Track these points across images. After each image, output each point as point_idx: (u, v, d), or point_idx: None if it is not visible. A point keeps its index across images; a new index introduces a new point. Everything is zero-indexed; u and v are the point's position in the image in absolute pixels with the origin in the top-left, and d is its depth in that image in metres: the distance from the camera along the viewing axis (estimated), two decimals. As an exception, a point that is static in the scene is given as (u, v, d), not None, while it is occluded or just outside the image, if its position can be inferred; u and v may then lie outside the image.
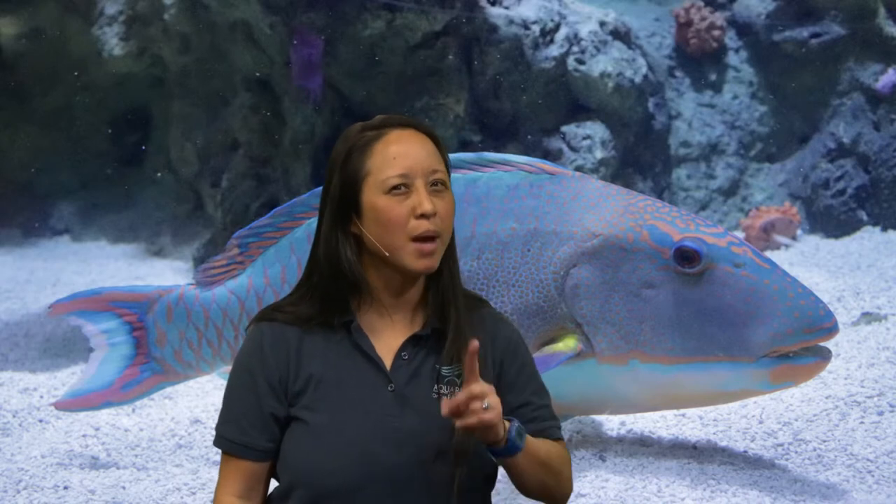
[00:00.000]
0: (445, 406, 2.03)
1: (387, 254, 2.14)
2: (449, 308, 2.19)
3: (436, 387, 2.16)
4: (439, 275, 2.20)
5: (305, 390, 2.17)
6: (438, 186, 2.16)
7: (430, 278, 2.22)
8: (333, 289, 2.20)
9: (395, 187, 2.14)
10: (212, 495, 3.43)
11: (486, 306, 2.31)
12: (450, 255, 2.22)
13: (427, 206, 2.12)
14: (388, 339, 2.20)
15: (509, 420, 2.11)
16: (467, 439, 2.09)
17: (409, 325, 2.21)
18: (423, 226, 2.13)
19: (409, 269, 2.15)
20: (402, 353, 2.18)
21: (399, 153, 2.16)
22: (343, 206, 2.19)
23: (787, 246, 7.38)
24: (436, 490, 2.12)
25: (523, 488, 2.18)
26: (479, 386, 2.02)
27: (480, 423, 2.02)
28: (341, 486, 2.12)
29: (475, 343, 2.03)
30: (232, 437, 2.19)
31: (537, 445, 2.15)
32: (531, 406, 2.23)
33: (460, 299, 2.21)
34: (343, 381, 2.17)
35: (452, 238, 2.22)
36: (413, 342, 2.19)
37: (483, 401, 2.02)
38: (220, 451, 2.22)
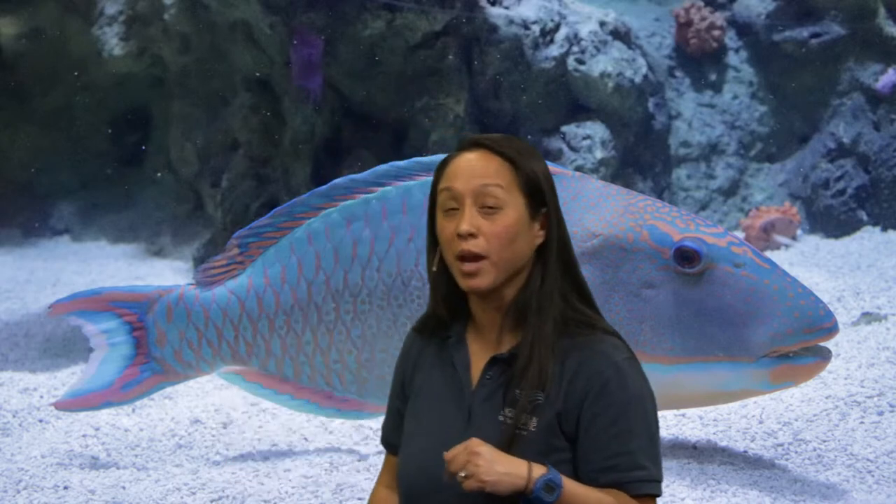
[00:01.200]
0: (448, 456, 2.05)
1: (451, 271, 2.19)
2: (526, 330, 2.14)
3: (504, 409, 2.13)
4: (524, 294, 2.17)
5: (410, 397, 2.28)
6: (491, 209, 2.13)
7: (516, 297, 2.19)
8: (434, 301, 2.26)
9: (447, 207, 2.17)
10: (212, 495, 3.45)
11: (596, 334, 2.17)
12: (538, 275, 2.17)
13: (462, 227, 2.13)
14: (483, 356, 2.21)
15: (546, 468, 2.05)
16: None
17: (497, 343, 2.20)
18: (459, 245, 2.13)
19: (462, 288, 2.17)
20: (487, 374, 2.18)
21: (453, 174, 2.18)
22: (431, 221, 2.24)
23: (787, 246, 7.38)
24: None
25: None
26: (463, 453, 2.02)
27: (469, 488, 2.01)
28: (409, 493, 2.21)
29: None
30: (382, 433, 2.37)
31: (580, 497, 2.05)
32: (606, 453, 2.09)
33: (543, 322, 2.14)
34: (433, 393, 2.24)
35: (548, 258, 2.17)
36: (495, 363, 2.18)
37: (461, 467, 2.01)
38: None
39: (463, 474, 2.01)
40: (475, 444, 2.03)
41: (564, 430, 2.10)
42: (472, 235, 2.12)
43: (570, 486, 2.04)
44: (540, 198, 2.18)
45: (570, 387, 2.12)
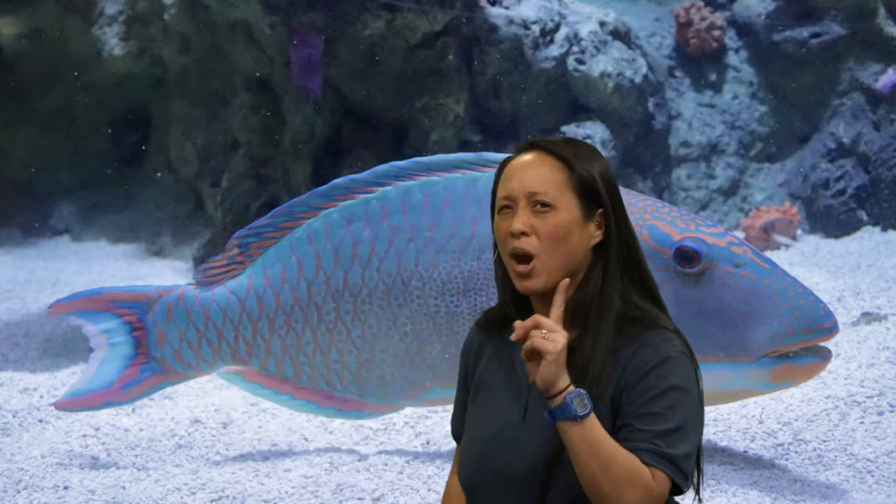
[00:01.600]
0: (517, 329, 2.07)
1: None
2: (585, 326, 2.18)
3: None
4: (582, 292, 2.20)
5: (472, 391, 2.33)
6: (543, 207, 2.17)
7: (574, 294, 2.21)
8: (505, 303, 2.30)
9: (502, 207, 2.23)
10: (212, 495, 3.45)
11: (650, 331, 2.18)
12: (598, 274, 2.19)
13: (514, 225, 2.18)
14: None
15: (576, 386, 2.08)
16: (556, 456, 2.11)
17: None
18: (511, 243, 2.18)
19: (517, 289, 2.21)
20: None
21: (509, 175, 2.24)
22: (493, 223, 2.29)
23: (787, 246, 7.38)
24: (528, 500, 2.15)
25: (577, 475, 2.09)
26: (549, 321, 2.06)
27: (534, 346, 2.04)
28: (468, 484, 2.25)
29: (565, 281, 2.11)
30: (452, 426, 2.41)
31: (601, 435, 2.06)
32: (629, 428, 2.10)
33: (602, 319, 2.17)
34: (491, 386, 2.28)
35: (606, 257, 2.19)
36: None
37: (543, 331, 2.05)
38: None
39: (543, 333, 2.04)
40: (550, 322, 2.06)
41: (611, 418, 2.12)
42: (524, 234, 2.16)
43: (595, 422, 2.06)
44: (595, 198, 2.20)
45: (618, 379, 2.15)
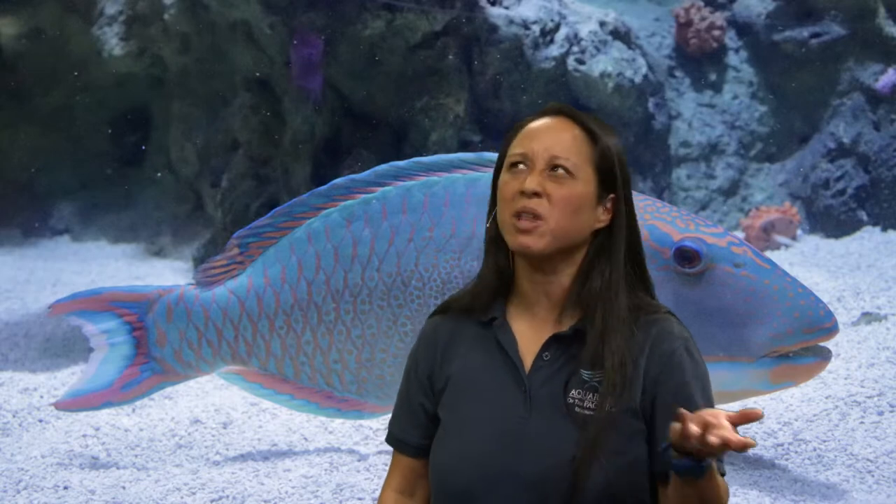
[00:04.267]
0: (675, 433, 1.88)
1: (502, 231, 2.11)
2: (595, 309, 2.08)
3: (571, 391, 2.06)
4: (587, 275, 2.11)
5: (445, 388, 2.16)
6: (558, 171, 2.07)
7: (577, 276, 2.12)
8: (492, 280, 2.17)
9: (514, 164, 2.11)
10: (212, 495, 3.45)
11: (658, 313, 2.13)
12: (605, 258, 2.11)
13: (528, 184, 2.06)
14: (533, 336, 2.13)
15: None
16: (592, 452, 2.00)
17: (555, 322, 2.12)
18: (520, 202, 2.07)
19: (510, 246, 2.10)
20: (544, 354, 2.10)
21: (528, 134, 2.13)
22: (493, 188, 2.18)
23: (787, 246, 7.38)
24: (551, 501, 2.02)
25: None
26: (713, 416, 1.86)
27: (735, 446, 1.83)
28: (461, 489, 2.08)
29: (757, 412, 1.84)
30: (392, 431, 2.23)
31: (717, 479, 1.96)
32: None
33: (615, 301, 2.08)
34: (478, 379, 2.13)
35: (615, 242, 2.12)
36: (556, 341, 2.10)
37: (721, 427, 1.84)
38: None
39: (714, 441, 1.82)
40: (711, 412, 1.86)
41: (638, 408, 2.05)
42: (536, 195, 2.06)
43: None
44: (611, 181, 2.13)
45: (645, 365, 2.07)
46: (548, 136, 2.11)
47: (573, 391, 2.06)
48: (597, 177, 2.11)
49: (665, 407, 2.04)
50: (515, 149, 2.13)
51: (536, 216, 2.06)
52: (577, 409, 2.04)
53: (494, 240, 2.16)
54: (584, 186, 2.10)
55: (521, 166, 2.11)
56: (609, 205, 2.13)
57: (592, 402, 2.04)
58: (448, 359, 2.18)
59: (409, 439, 2.20)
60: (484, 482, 2.06)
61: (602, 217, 2.13)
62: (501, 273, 2.16)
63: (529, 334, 2.13)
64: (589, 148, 2.12)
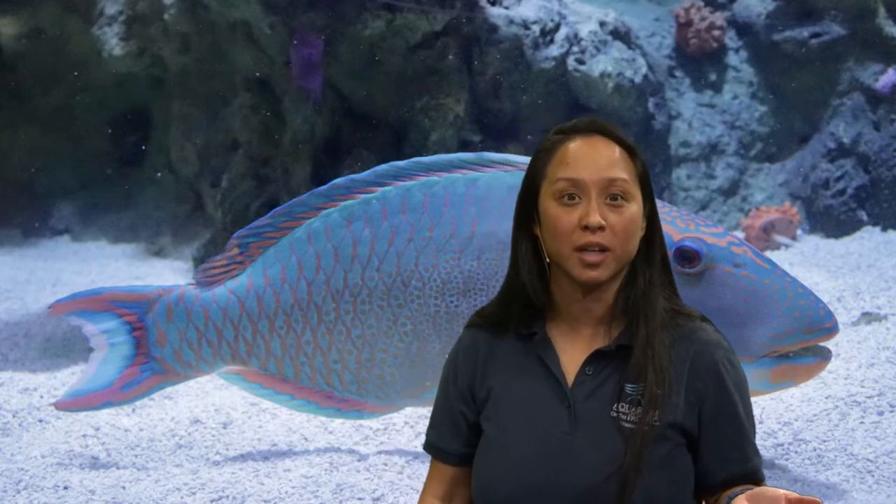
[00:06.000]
0: None
1: (557, 261, 2.09)
2: (638, 322, 2.07)
3: (616, 405, 2.06)
4: (630, 286, 2.10)
5: (487, 400, 2.16)
6: (617, 200, 2.05)
7: (621, 289, 2.11)
8: (520, 294, 2.15)
9: (566, 195, 2.07)
10: (212, 495, 3.45)
11: (696, 322, 2.14)
12: (645, 267, 2.11)
13: (593, 219, 2.03)
14: (575, 351, 2.12)
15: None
16: (636, 466, 2.00)
17: (597, 338, 2.12)
18: (585, 237, 2.04)
19: (575, 280, 2.07)
20: (587, 369, 2.10)
21: (574, 160, 2.08)
22: (525, 207, 2.14)
23: (787, 246, 7.38)
24: None
25: None
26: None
27: None
28: (504, 503, 2.08)
29: (817, 502, 1.84)
30: (431, 440, 2.23)
31: None
32: (731, 444, 2.08)
33: (654, 314, 2.08)
34: (520, 394, 2.12)
35: (653, 249, 2.12)
36: (598, 357, 2.10)
37: None
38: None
39: None
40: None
41: (684, 420, 2.06)
42: (600, 228, 2.03)
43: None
44: (649, 190, 2.13)
45: (688, 378, 2.08)
46: (594, 160, 2.07)
47: (618, 405, 2.06)
48: (642, 191, 2.11)
49: (711, 423, 2.07)
50: (559, 174, 2.08)
51: (603, 248, 2.05)
52: (622, 422, 2.05)
53: (530, 262, 2.13)
54: (636, 205, 2.09)
55: (572, 195, 2.06)
56: (647, 213, 2.13)
57: (636, 416, 2.04)
58: (489, 372, 2.18)
59: (449, 448, 2.21)
60: (528, 496, 2.06)
61: (643, 226, 2.12)
62: (536, 291, 2.14)
63: (570, 350, 2.13)
64: (631, 164, 2.10)
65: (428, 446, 2.25)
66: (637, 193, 2.09)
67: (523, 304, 2.15)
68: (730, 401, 2.08)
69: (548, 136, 2.16)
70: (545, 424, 2.08)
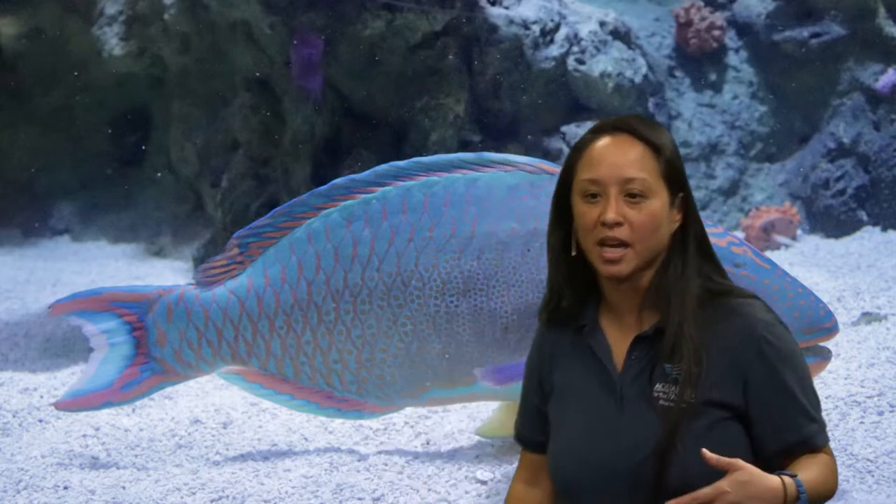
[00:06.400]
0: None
1: (587, 255, 2.20)
2: (670, 307, 2.16)
3: (656, 386, 2.16)
4: (663, 274, 2.19)
5: (552, 391, 2.31)
6: (636, 197, 2.14)
7: (655, 277, 2.21)
8: (563, 286, 2.28)
9: (589, 193, 2.17)
10: (212, 495, 3.45)
11: (739, 300, 2.21)
12: (679, 255, 2.19)
13: (609, 215, 2.13)
14: (622, 337, 2.23)
15: (791, 476, 2.09)
16: (671, 442, 2.10)
17: (639, 324, 2.23)
18: (604, 232, 2.14)
19: (600, 273, 2.19)
20: (632, 354, 2.21)
21: (597, 159, 2.17)
22: (558, 203, 2.25)
23: (787, 246, 7.38)
24: (643, 491, 2.14)
25: None
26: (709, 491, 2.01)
27: None
28: (569, 482, 2.23)
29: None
30: (517, 430, 2.42)
31: (816, 479, 2.12)
32: (784, 414, 2.17)
33: (687, 297, 2.16)
34: (575, 383, 2.26)
35: (687, 238, 2.20)
36: (640, 342, 2.21)
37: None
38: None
39: None
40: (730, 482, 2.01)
41: (726, 396, 2.13)
42: (617, 224, 2.13)
43: (805, 476, 2.10)
44: (678, 182, 2.20)
45: (726, 353, 2.15)
46: (615, 158, 2.16)
47: (657, 385, 2.16)
48: (667, 186, 2.18)
49: (758, 396, 2.14)
50: (584, 174, 2.18)
51: (621, 243, 2.15)
52: (661, 401, 2.15)
53: (567, 262, 2.24)
54: (659, 201, 2.17)
55: (595, 194, 2.17)
56: (679, 204, 2.21)
57: (675, 394, 2.13)
58: (552, 366, 2.32)
59: (529, 437, 2.38)
60: (585, 476, 2.20)
61: (676, 217, 2.21)
62: (580, 289, 2.26)
63: (619, 336, 2.24)
64: (654, 161, 2.17)
65: (516, 436, 2.43)
66: (660, 189, 2.16)
67: (578, 300, 2.28)
68: (774, 372, 2.15)
69: (583, 134, 2.26)
70: (596, 408, 2.21)
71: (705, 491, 2.02)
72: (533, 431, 2.37)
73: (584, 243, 2.19)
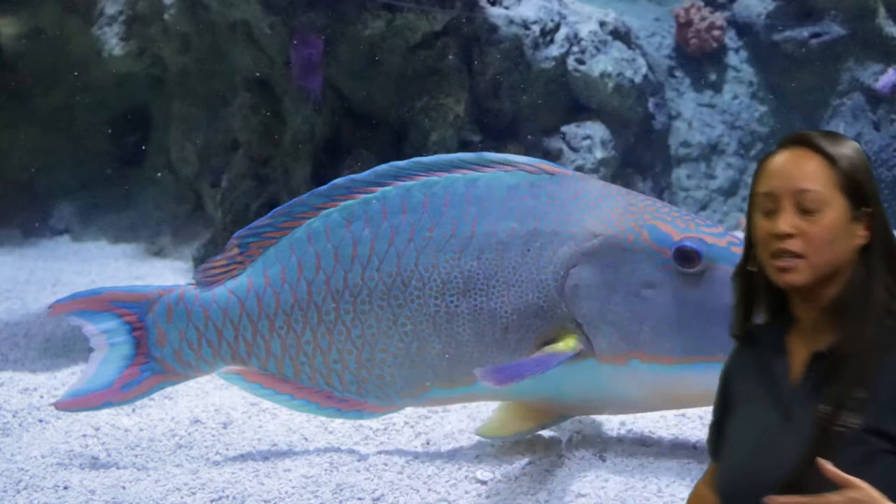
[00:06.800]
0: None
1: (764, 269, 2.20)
2: (846, 326, 2.14)
3: (821, 406, 2.11)
4: (844, 291, 2.17)
5: (734, 408, 2.31)
6: (809, 209, 2.13)
7: (840, 291, 2.18)
8: (749, 301, 2.29)
9: (762, 204, 2.19)
10: (212, 495, 3.45)
11: None
12: (863, 271, 2.16)
13: (779, 227, 2.13)
14: (804, 353, 2.21)
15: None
16: (808, 465, 2.05)
17: (820, 340, 2.20)
18: (775, 245, 2.14)
19: (777, 283, 2.18)
20: (809, 370, 2.18)
21: (773, 173, 2.18)
22: (750, 215, 2.25)
23: (787, 246, 7.38)
24: None
25: None
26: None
27: None
28: (725, 498, 2.23)
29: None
30: (707, 438, 2.44)
31: None
32: None
33: (864, 317, 2.13)
34: (750, 397, 2.26)
35: (871, 255, 2.16)
36: (817, 359, 2.18)
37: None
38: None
39: None
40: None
41: (890, 428, 2.07)
42: (789, 236, 2.13)
43: None
44: (862, 197, 2.16)
45: None
46: (789, 171, 2.16)
47: (823, 405, 2.11)
48: (846, 199, 2.16)
49: None
50: (760, 188, 2.19)
51: (794, 255, 2.14)
52: (823, 422, 2.10)
53: (756, 279, 2.25)
54: (834, 214, 2.14)
55: (769, 208, 2.17)
56: (865, 220, 2.17)
57: (839, 417, 2.09)
58: (733, 381, 2.33)
59: (713, 449, 2.39)
60: (742, 490, 2.18)
61: (861, 233, 2.17)
62: (771, 307, 2.27)
63: (801, 351, 2.22)
64: (830, 173, 2.15)
65: (707, 443, 2.45)
66: (836, 201, 2.14)
67: (763, 312, 2.29)
68: None
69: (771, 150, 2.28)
70: (764, 423, 2.20)
71: (812, 498, 2.00)
72: (716, 444, 2.37)
73: (760, 256, 2.20)
